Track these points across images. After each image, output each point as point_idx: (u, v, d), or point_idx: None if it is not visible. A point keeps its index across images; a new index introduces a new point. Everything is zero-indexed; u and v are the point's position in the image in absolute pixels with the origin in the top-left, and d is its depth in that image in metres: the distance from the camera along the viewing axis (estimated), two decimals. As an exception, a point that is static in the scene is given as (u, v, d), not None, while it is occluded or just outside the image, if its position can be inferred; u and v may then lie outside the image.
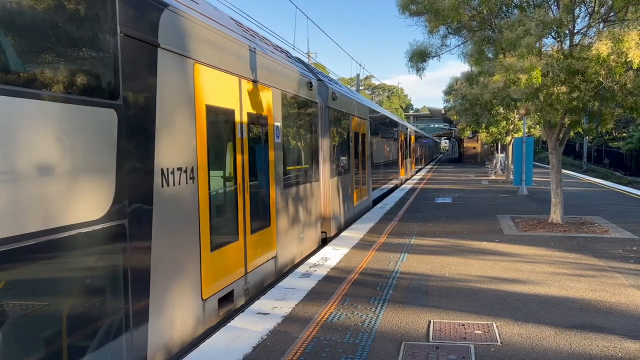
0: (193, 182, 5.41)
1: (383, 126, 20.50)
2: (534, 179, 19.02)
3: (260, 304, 6.34)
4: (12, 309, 3.27)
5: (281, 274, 8.27)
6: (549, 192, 12.97)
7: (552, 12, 10.84)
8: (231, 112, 6.52)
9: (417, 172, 36.59)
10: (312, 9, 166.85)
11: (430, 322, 5.75)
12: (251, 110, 7.13)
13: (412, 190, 21.85)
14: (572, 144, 46.02)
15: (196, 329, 5.49)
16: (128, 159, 4.33)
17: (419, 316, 5.94)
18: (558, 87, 9.94)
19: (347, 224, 12.85)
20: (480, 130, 28.12)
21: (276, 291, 6.93)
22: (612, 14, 10.64)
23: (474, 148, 52.05)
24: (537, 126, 20.30)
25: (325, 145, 11.10)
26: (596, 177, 30.92)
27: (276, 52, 9.09)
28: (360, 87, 41.38)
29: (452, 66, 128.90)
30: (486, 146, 46.83)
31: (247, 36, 7.53)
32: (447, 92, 23.75)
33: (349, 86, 27.76)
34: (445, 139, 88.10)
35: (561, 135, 12.33)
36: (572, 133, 13.57)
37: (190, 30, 5.42)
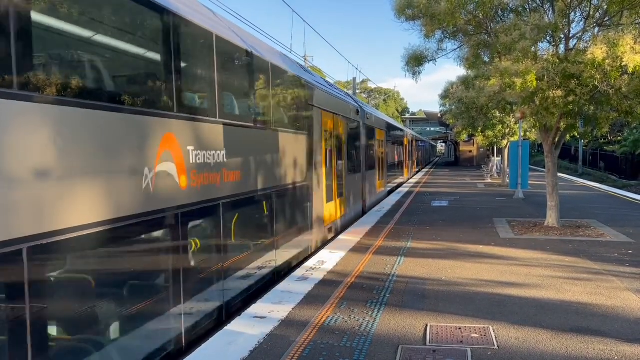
0: (320, 168, 10.71)
1: (393, 133, 25.58)
2: (530, 182, 19.05)
3: (256, 308, 6.33)
4: (287, 211, 9.10)
5: (346, 226, 13.10)
6: (544, 195, 13.01)
7: (548, 16, 10.90)
8: (330, 133, 11.69)
9: (416, 173, 39.21)
10: (309, 12, 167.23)
11: (427, 325, 5.74)
12: (336, 131, 12.33)
13: (408, 193, 21.87)
14: (568, 148, 46.20)
15: (323, 239, 10.97)
16: (308, 157, 9.84)
17: (416, 320, 5.94)
18: (554, 91, 9.98)
19: (374, 204, 17.73)
20: (477, 134, 28.18)
21: (273, 295, 6.92)
22: (607, 18, 10.71)
23: (470, 151, 52.13)
24: (533, 130, 20.31)
25: (363, 149, 16.05)
26: (592, 180, 31.04)
27: (341, 93, 15.10)
28: (357, 91, 41.33)
29: (448, 70, 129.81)
30: (482, 150, 46.91)
31: (328, 86, 13.19)
32: (443, 96, 23.79)
33: (345, 89, 28.79)
34: (441, 142, 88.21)
35: (557, 139, 12.37)
36: (567, 137, 13.62)
37: (319, 95, 10.77)
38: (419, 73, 13.02)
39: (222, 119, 6.21)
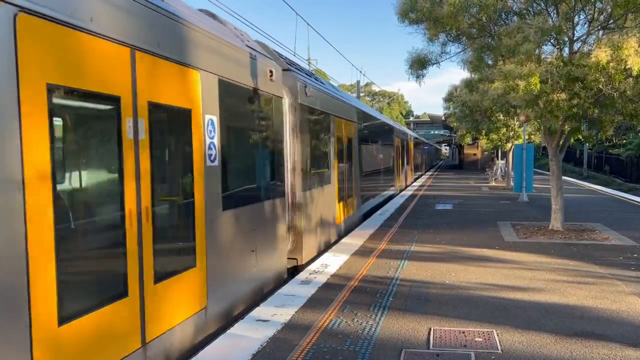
0: (395, 161, 23.87)
1: (415, 142, 36.41)
2: (534, 185, 19.02)
3: (259, 311, 6.33)
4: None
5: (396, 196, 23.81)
6: (549, 198, 12.97)
7: (552, 19, 10.87)
8: (397, 145, 24.81)
9: (426, 171, 46.79)
10: (313, 15, 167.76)
11: (430, 329, 5.73)
12: (398, 144, 25.16)
13: (412, 196, 21.86)
14: (573, 151, 46.03)
15: (395, 194, 23.27)
16: (393, 156, 23.23)
17: (419, 323, 5.93)
18: (558, 94, 9.95)
19: (410, 185, 29.35)
20: (481, 137, 28.11)
21: (276, 298, 6.92)
22: (611, 21, 10.68)
23: (474, 154, 52.00)
24: (537, 133, 20.30)
25: (405, 153, 27.81)
26: (596, 183, 30.89)
27: (399, 125, 31.37)
28: (361, 94, 41.44)
29: (452, 72, 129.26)
30: (486, 153, 46.76)
31: (395, 123, 27.93)
32: (447, 99, 23.79)
33: (349, 92, 31.30)
34: (445, 145, 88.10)
35: (561, 142, 12.33)
36: (572, 140, 13.57)
37: (396, 129, 24.99)
38: (423, 76, 13.01)
39: (385, 143, 20.39)
